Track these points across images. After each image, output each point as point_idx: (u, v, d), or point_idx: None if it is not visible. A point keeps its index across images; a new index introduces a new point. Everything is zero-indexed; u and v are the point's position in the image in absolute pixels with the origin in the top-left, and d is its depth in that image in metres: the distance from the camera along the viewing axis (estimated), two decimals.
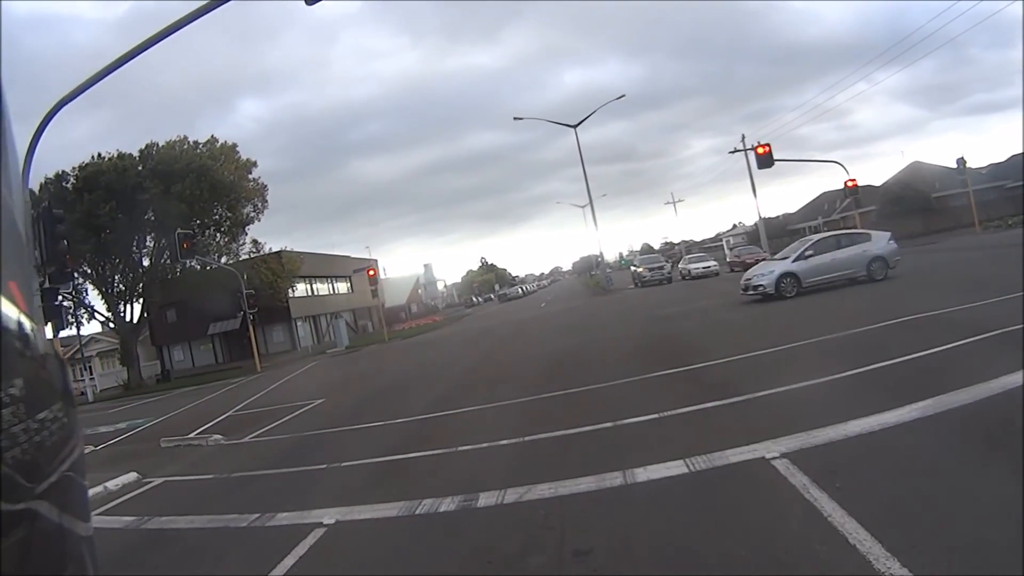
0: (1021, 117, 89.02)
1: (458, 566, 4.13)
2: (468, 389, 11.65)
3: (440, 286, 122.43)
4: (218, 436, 11.66)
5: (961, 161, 36.54)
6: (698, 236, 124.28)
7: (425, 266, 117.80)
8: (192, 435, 12.22)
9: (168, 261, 35.18)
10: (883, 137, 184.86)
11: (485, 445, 7.01)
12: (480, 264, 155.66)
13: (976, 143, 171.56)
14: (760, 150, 32.26)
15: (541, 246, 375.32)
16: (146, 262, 36.98)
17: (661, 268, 38.98)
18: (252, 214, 37.72)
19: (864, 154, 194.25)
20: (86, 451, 13.22)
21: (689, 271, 37.87)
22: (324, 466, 7.73)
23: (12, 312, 0.70)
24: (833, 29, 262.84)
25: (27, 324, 0.73)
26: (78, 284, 36.41)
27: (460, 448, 7.10)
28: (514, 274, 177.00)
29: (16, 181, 0.85)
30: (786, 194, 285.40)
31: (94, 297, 37.23)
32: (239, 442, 11.04)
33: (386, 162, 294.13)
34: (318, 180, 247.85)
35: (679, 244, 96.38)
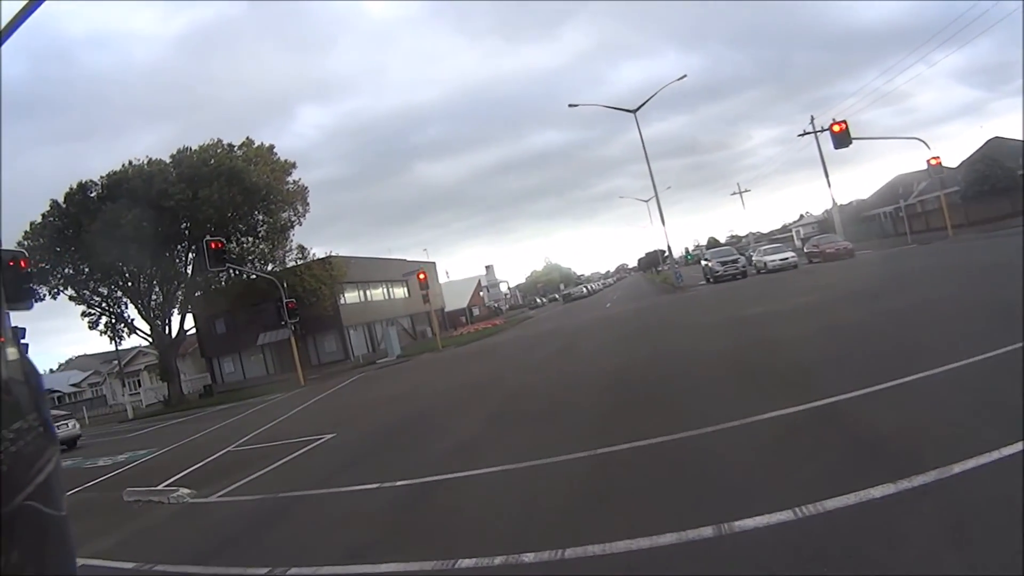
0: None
1: None
2: (504, 428, 8.74)
3: (503, 287, 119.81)
4: (184, 491, 9.12)
5: None
6: (764, 228, 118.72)
7: (487, 267, 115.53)
8: (160, 486, 9.79)
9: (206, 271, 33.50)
10: (944, 120, 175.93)
11: (498, 562, 4.12)
12: (544, 264, 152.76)
13: None
14: (836, 128, 28.96)
15: (606, 243, 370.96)
16: (188, 271, 35.42)
17: (735, 261, 34.92)
18: (292, 218, 35.63)
19: (926, 138, 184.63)
20: None
21: (765, 264, 34.04)
22: (265, 572, 5.02)
23: None
24: (889, 10, 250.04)
25: None
26: (116, 297, 35.22)
27: (459, 564, 4.23)
28: (579, 272, 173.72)
29: None
30: (854, 180, 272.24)
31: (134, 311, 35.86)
32: (204, 501, 8.51)
33: (450, 164, 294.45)
34: (383, 184, 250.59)
35: (746, 236, 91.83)
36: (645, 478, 5.10)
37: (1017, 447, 3.89)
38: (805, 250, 37.45)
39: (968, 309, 9.77)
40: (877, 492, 3.80)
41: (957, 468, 3.85)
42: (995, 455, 3.87)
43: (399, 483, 6.77)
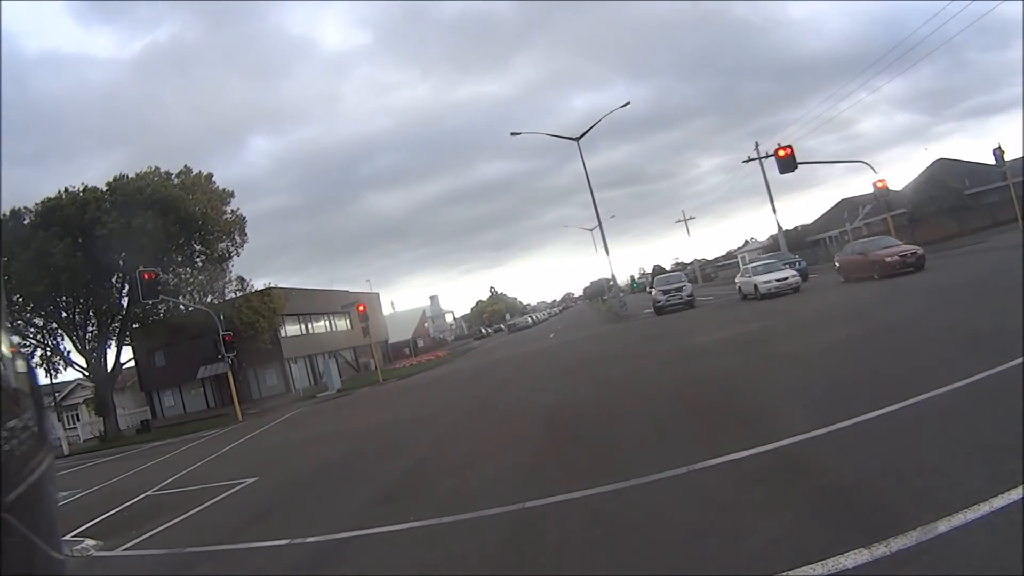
0: (1022, 118, 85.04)
1: None
2: (433, 473, 8.50)
3: (448, 318, 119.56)
4: (90, 542, 8.65)
5: (999, 152, 33.01)
6: (710, 255, 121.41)
7: (431, 298, 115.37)
8: (68, 536, 9.27)
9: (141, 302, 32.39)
10: (888, 146, 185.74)
11: None
12: (490, 294, 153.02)
13: (978, 145, 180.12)
14: (782, 152, 29.45)
15: (552, 273, 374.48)
16: (125, 303, 34.23)
17: (679, 290, 31.47)
18: (231, 249, 34.88)
19: (871, 163, 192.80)
20: None
21: (755, 287, 26.61)
22: None
23: None
24: (833, 40, 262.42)
25: None
26: (52, 328, 33.85)
27: None
28: (525, 302, 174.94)
29: None
30: (799, 207, 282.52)
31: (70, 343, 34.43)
32: (108, 555, 8.06)
33: (400, 195, 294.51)
34: (332, 215, 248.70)
35: (691, 264, 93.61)
36: (580, 542, 4.66)
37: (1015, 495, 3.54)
38: (836, 263, 27.82)
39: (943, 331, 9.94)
40: (849, 561, 3.32)
41: (943, 526, 3.43)
42: (985, 508, 3.48)
43: (310, 539, 6.49)
